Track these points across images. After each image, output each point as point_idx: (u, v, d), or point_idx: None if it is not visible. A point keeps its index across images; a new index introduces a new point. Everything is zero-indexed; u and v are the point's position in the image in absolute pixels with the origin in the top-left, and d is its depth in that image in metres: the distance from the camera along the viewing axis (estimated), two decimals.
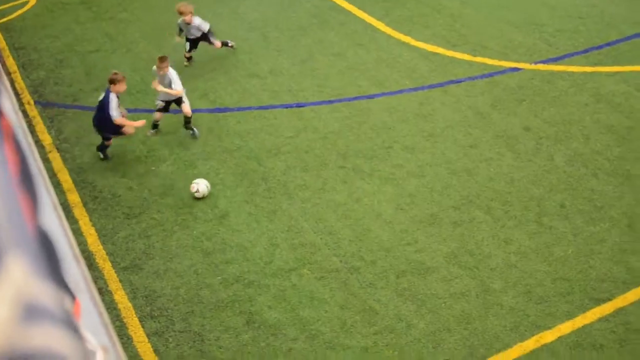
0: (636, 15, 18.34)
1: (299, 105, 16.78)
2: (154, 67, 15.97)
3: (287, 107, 16.79)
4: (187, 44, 18.79)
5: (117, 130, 15.37)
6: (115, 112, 14.94)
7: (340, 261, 12.49)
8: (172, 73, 15.75)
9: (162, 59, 15.74)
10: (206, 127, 16.49)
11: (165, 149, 16.01)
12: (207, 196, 14.30)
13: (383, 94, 16.70)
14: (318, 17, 20.28)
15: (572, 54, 17.25)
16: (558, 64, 16.94)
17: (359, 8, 20.34)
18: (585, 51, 17.30)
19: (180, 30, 18.56)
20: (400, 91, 16.69)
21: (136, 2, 22.93)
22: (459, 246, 12.49)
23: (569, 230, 12.50)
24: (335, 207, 13.66)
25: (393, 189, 13.88)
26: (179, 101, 16.00)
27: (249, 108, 16.99)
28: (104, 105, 15.02)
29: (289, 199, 14.01)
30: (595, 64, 16.78)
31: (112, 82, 14.85)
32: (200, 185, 14.44)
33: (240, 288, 12.23)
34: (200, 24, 18.38)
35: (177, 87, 15.70)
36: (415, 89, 16.62)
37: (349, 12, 20.24)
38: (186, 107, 15.91)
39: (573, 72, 16.57)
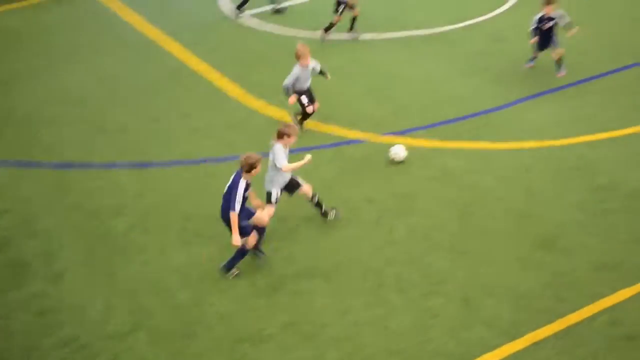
0: (481, 93, 18.86)
1: (145, 165, 16.59)
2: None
3: (133, 166, 16.57)
4: (304, 97, 17.34)
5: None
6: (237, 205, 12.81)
7: (178, 326, 12.30)
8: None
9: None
10: (49, 182, 16.14)
11: (6, 201, 15.58)
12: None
13: (232, 157, 16.65)
14: (170, 77, 20.20)
15: (419, 128, 17.59)
16: (404, 137, 17.22)
17: (212, 69, 20.34)
18: (432, 125, 17.67)
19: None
20: None
21: None
22: (297, 315, 12.45)
23: (405, 303, 12.62)
24: (175, 271, 13.48)
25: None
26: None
27: (95, 165, 16.71)
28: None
29: (129, 261, 13.77)
30: (440, 139, 17.14)
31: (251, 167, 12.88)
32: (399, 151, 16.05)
33: (72, 350, 11.89)
34: (315, 65, 17.46)
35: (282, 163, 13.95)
36: (265, 155, 16.63)
37: (201, 74, 20.21)
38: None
39: (419, 146, 16.88)
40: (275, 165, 13.85)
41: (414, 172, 16.03)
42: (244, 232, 13.03)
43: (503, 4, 23.85)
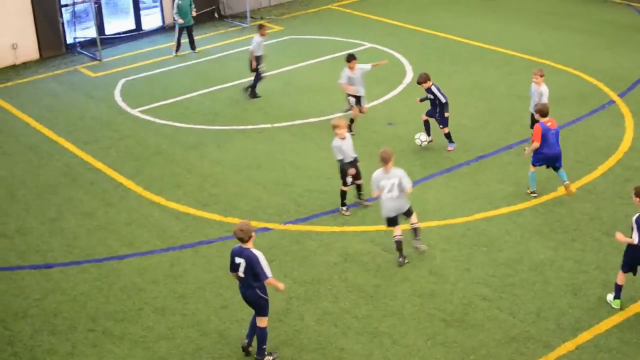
0: None
1: (47, 266, 16.33)
2: None
3: (35, 268, 16.30)
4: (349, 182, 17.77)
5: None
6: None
7: None
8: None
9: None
10: None
11: None
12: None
13: (133, 254, 16.53)
14: (68, 175, 20.00)
15: (319, 214, 17.73)
16: (307, 224, 17.35)
17: (109, 167, 20.23)
18: (333, 211, 17.83)
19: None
20: (151, 252, 16.58)
21: None
22: None
23: None
24: None
25: (144, 352, 13.63)
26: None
27: None
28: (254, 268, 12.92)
29: None
30: (342, 224, 17.30)
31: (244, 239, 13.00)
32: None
33: None
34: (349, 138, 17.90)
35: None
36: (166, 249, 16.57)
37: (99, 171, 20.08)
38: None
39: (321, 232, 17.01)
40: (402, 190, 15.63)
41: (317, 259, 16.12)
42: (266, 305, 13.19)
43: (394, 89, 24.37)
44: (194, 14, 28.29)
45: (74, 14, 29.84)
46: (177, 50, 28.31)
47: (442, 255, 16.05)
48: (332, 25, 31.04)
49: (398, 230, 15.84)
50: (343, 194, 17.81)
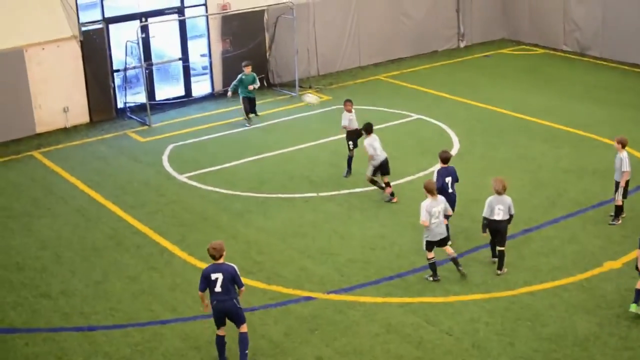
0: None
1: (90, 329, 16.42)
2: None
3: (78, 330, 16.40)
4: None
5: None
6: None
7: None
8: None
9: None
10: None
11: None
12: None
13: (177, 319, 16.58)
14: (114, 238, 20.18)
15: (363, 285, 17.71)
16: (350, 294, 17.33)
17: (155, 231, 20.39)
18: (376, 282, 17.80)
19: None
20: (194, 317, 16.62)
21: None
22: None
23: None
24: None
25: None
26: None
27: (38, 330, 16.51)
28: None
29: None
30: (385, 295, 17.26)
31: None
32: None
33: None
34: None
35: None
36: (209, 316, 16.56)
37: (144, 235, 20.24)
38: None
39: (364, 302, 16.97)
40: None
41: (359, 329, 16.07)
42: (243, 312, 14.93)
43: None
44: (251, 87, 28.40)
45: (125, 79, 30.33)
46: (247, 117, 28.61)
47: (486, 328, 15.93)
48: (380, 95, 31.23)
49: (432, 254, 17.72)
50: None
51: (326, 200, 22.00)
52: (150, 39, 30.55)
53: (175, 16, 31.12)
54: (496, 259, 18.19)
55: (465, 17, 37.70)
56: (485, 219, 17.95)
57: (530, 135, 26.36)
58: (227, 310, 14.54)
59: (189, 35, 31.79)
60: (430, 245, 17.63)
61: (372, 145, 21.51)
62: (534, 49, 37.01)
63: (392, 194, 21.84)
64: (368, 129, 21.78)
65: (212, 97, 31.91)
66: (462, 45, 38.00)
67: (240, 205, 21.82)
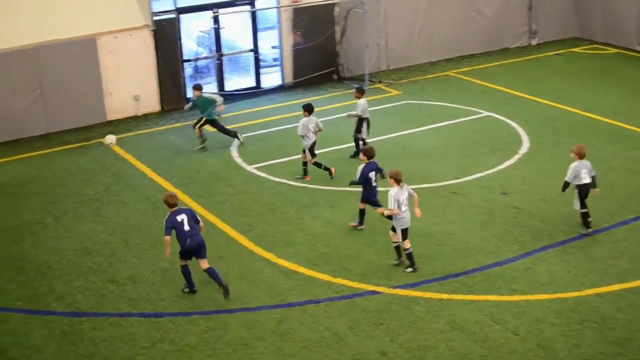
0: (490, 246, 18.99)
1: (156, 315, 16.59)
2: None
3: (144, 316, 16.58)
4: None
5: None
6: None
7: None
8: None
9: None
10: (60, 331, 16.14)
11: (16, 349, 15.55)
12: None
13: (242, 309, 16.67)
14: None
15: (429, 281, 17.64)
16: (416, 290, 17.28)
17: (223, 221, 20.52)
18: (443, 278, 17.73)
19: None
20: (259, 308, 16.71)
21: None
22: None
23: None
24: None
25: None
26: None
27: (105, 314, 16.74)
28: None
29: None
30: (451, 292, 17.17)
31: None
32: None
33: None
34: None
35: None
36: (274, 307, 16.67)
37: (212, 224, 20.36)
38: None
39: (430, 299, 16.91)
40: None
41: (424, 325, 16.01)
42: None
43: (509, 158, 24.18)
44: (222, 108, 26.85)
45: (195, 69, 30.56)
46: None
47: (551, 329, 15.78)
48: (449, 92, 31.04)
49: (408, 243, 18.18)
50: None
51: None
52: (221, 30, 30.71)
53: (247, 7, 31.25)
54: (590, 230, 19.42)
55: (537, 14, 37.27)
56: (566, 182, 19.31)
57: (601, 136, 26.00)
58: (199, 242, 16.80)
59: (259, 26, 31.91)
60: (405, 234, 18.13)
61: (306, 126, 22.81)
62: (606, 48, 36.45)
63: (305, 172, 23.26)
64: (308, 108, 23.08)
65: (282, 89, 32.00)
66: (533, 43, 37.56)
67: (307, 198, 21.87)
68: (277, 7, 31.64)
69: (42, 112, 26.61)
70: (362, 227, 20.00)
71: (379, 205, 19.41)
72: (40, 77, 27.40)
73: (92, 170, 24.41)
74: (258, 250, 19.11)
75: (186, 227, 16.64)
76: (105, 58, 28.40)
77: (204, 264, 16.95)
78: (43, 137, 27.39)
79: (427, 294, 17.09)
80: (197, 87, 25.94)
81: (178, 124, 28.29)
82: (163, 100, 29.73)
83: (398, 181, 17.89)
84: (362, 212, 19.96)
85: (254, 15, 31.41)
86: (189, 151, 25.67)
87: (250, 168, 24.06)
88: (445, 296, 17.04)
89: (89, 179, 23.68)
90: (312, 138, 22.93)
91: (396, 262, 18.26)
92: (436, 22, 34.84)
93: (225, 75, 31.27)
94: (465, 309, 16.55)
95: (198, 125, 25.84)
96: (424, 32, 34.77)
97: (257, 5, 31.55)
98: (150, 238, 19.85)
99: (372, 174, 19.63)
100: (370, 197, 19.73)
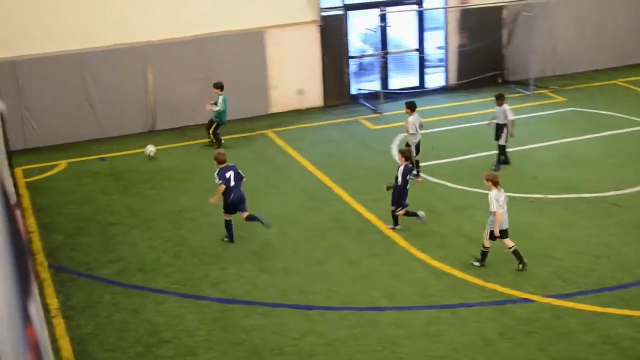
0: None
1: (307, 308, 16.81)
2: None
3: (295, 308, 16.82)
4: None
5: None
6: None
7: None
8: None
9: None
10: (212, 316, 16.52)
11: (169, 331, 16.00)
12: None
13: (393, 307, 16.73)
14: (338, 221, 20.54)
15: (584, 292, 17.30)
16: (569, 300, 16.98)
17: (379, 218, 20.60)
18: (598, 291, 17.36)
19: None
20: (410, 307, 16.73)
21: (164, 182, 23.37)
22: None
23: None
24: None
25: None
26: None
27: (257, 303, 17.05)
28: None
29: None
30: (605, 305, 16.79)
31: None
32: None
33: None
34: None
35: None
36: (425, 307, 16.66)
37: (368, 221, 20.49)
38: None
39: (583, 310, 16.59)
40: None
41: (576, 337, 15.70)
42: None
43: None
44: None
45: (360, 66, 30.76)
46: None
47: None
48: (616, 100, 30.28)
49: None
50: None
51: (553, 203, 21.59)
52: (387, 28, 30.82)
53: (415, 7, 31.27)
54: None
55: None
56: None
57: None
58: (240, 196, 19.13)
59: (426, 26, 31.89)
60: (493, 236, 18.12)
61: (415, 123, 23.07)
62: None
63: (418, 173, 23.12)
64: (412, 106, 23.37)
65: (445, 90, 31.89)
66: None
67: (464, 200, 21.75)
68: (445, 8, 31.55)
69: (208, 101, 27.30)
70: (398, 226, 20.18)
71: (406, 206, 19.86)
72: (208, 67, 28.08)
73: (252, 159, 24.89)
74: (412, 249, 19.12)
75: (232, 183, 18.93)
76: (272, 51, 28.90)
77: (244, 215, 19.34)
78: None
79: (581, 306, 16.76)
80: (218, 86, 26.26)
81: (339, 120, 28.57)
82: (326, 95, 30.05)
83: (496, 183, 17.97)
84: (396, 217, 20.22)
85: (421, 14, 31.43)
86: (350, 147, 25.89)
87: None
88: (599, 309, 16.67)
89: (250, 168, 24.03)
90: (419, 135, 23.11)
91: (520, 267, 18.19)
92: (606, 29, 34.04)
93: (390, 74, 31.37)
94: (620, 324, 16.15)
95: (211, 129, 26.39)
96: (593, 39, 34.03)
97: (425, 5, 31.53)
98: (306, 231, 20.11)
99: (408, 176, 20.00)
100: (402, 198, 19.89)
